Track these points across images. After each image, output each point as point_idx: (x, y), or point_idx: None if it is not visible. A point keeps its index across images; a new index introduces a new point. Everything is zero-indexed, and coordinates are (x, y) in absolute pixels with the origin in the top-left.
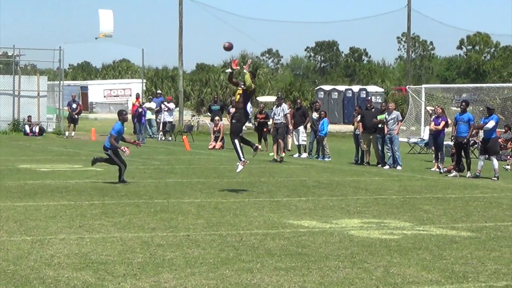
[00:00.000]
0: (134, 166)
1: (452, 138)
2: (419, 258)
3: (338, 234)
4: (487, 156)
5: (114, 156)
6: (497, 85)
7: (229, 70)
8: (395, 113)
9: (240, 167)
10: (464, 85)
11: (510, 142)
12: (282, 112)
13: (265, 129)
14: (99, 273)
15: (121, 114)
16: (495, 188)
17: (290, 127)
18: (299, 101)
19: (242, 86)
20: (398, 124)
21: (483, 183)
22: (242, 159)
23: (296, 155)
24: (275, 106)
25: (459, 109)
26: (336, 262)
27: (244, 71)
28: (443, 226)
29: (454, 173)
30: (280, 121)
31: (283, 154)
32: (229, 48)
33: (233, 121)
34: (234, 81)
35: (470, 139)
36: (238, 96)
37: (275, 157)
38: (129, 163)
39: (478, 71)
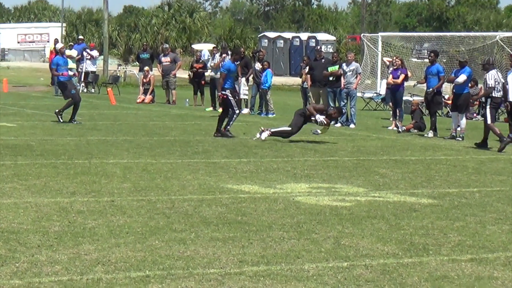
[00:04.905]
0: (51, 122)
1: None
2: (373, 228)
3: (283, 201)
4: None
5: (230, 100)
6: (462, 33)
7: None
8: (354, 65)
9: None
10: (426, 34)
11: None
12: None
13: (202, 81)
14: (10, 243)
15: (237, 53)
16: (460, 149)
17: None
18: (241, 49)
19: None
20: (357, 77)
21: (447, 144)
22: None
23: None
24: (218, 55)
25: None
26: (280, 232)
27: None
28: (401, 192)
29: (431, 133)
30: None
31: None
32: None
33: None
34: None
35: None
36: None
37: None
38: (45, 118)
39: (441, 18)
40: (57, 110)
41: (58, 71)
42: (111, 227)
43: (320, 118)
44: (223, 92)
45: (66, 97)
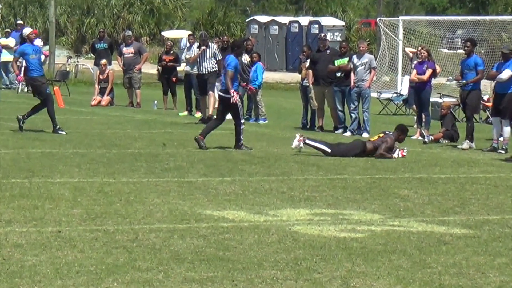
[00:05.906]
0: None
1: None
2: (392, 265)
3: (277, 231)
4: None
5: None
6: (505, 17)
7: None
8: (368, 57)
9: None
10: (460, 18)
11: None
12: (212, 57)
13: (173, 78)
14: None
15: (240, 46)
16: (502, 165)
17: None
18: (225, 38)
19: None
20: (371, 72)
21: (486, 158)
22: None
23: None
24: (195, 45)
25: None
26: (273, 272)
27: None
28: (428, 220)
29: (466, 144)
30: (211, 69)
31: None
32: None
33: None
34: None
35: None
36: None
37: (209, 115)
38: None
39: None
40: (53, 126)
41: (28, 61)
42: (57, 265)
43: (397, 152)
44: (238, 98)
45: (42, 96)
